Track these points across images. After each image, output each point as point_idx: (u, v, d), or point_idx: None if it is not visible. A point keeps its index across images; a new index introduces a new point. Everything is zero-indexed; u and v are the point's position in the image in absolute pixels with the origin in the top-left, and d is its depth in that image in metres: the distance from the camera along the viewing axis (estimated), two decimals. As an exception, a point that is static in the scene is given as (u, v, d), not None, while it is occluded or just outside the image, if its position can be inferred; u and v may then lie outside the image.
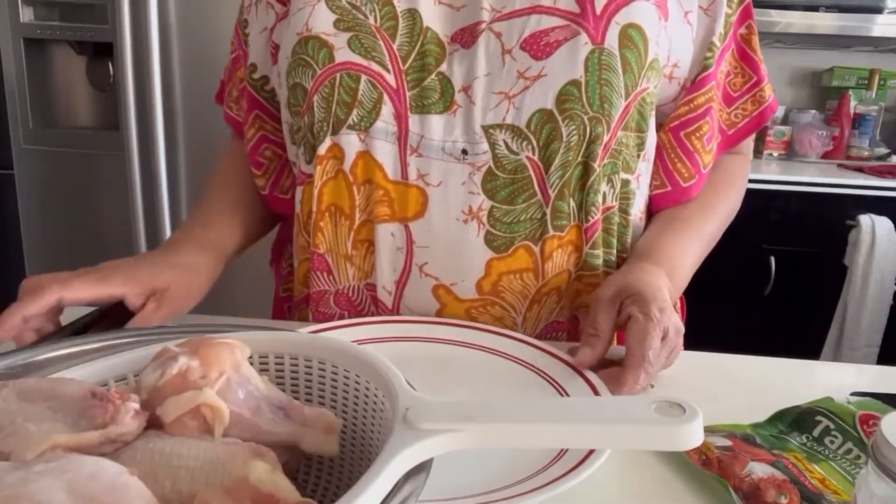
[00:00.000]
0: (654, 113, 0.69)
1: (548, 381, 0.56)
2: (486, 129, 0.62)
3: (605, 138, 0.63)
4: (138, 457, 0.29)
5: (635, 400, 0.29)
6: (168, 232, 1.72)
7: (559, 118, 0.61)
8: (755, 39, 0.74)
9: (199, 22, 1.64)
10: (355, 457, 0.35)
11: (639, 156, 0.69)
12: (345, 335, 0.60)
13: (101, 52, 1.76)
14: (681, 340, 0.57)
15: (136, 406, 0.30)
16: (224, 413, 0.31)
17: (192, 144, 1.72)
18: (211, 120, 1.60)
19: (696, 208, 0.74)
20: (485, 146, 0.62)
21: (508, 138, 0.62)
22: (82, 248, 1.81)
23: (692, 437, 0.27)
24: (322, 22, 0.63)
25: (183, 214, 1.75)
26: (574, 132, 0.61)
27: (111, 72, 1.79)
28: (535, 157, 0.62)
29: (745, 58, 0.74)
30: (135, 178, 1.67)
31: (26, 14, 1.70)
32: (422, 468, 0.27)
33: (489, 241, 0.64)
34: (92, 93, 1.85)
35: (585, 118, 0.61)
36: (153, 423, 0.31)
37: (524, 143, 0.62)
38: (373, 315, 0.68)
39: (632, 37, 0.63)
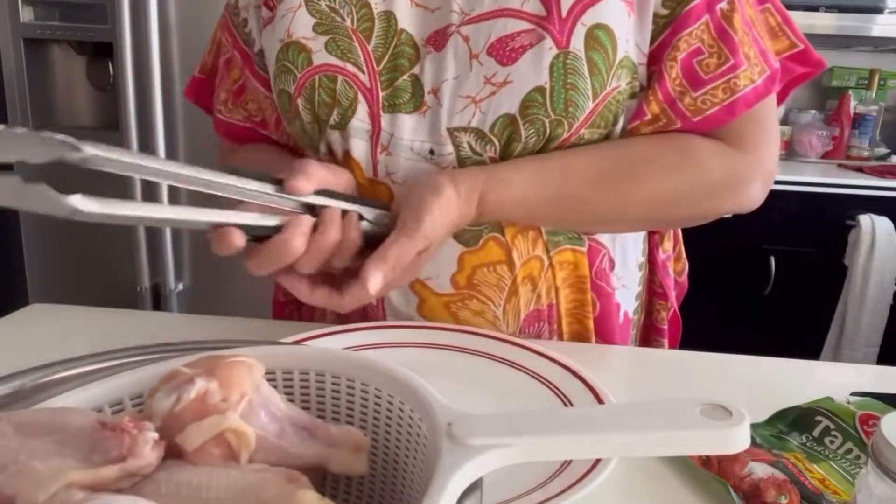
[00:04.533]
0: (624, 108, 0.65)
1: (543, 383, 0.56)
2: (451, 131, 0.63)
3: (565, 135, 0.63)
4: (163, 490, 0.27)
5: (680, 404, 0.28)
6: (168, 232, 1.72)
7: (521, 122, 0.61)
8: (738, 18, 0.63)
9: (199, 22, 1.64)
10: (387, 474, 0.33)
11: None
12: (336, 342, 0.60)
13: (101, 52, 1.76)
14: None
15: (155, 435, 0.27)
16: (250, 438, 0.29)
17: (192, 144, 1.72)
18: (211, 120, 1.60)
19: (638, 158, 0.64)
20: (450, 148, 0.63)
21: (472, 141, 0.63)
22: (82, 248, 1.81)
23: (740, 440, 0.27)
24: (302, 27, 0.64)
25: (183, 214, 1.75)
26: (533, 134, 0.62)
27: (111, 72, 1.79)
28: (496, 156, 0.63)
29: (723, 36, 0.63)
30: (135, 179, 1.67)
31: (26, 14, 1.70)
32: (475, 486, 0.27)
33: (457, 235, 0.65)
34: (92, 93, 1.85)
35: (547, 121, 0.61)
36: (171, 452, 0.29)
37: (487, 146, 0.63)
38: (367, 310, 0.69)
39: (598, 38, 0.61)
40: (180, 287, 1.80)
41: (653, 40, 0.64)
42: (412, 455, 0.31)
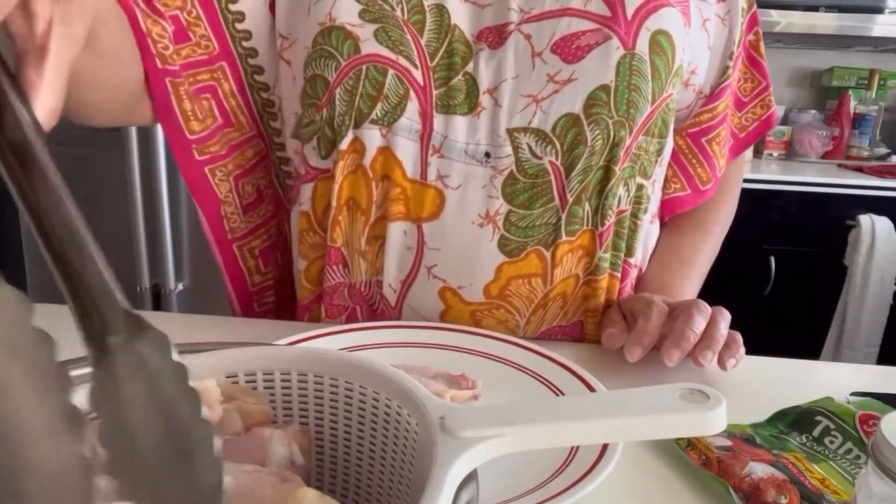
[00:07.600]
0: (673, 118, 0.69)
1: (544, 383, 0.56)
2: (510, 132, 0.61)
3: (628, 142, 0.62)
4: None
5: (661, 390, 0.30)
6: (168, 232, 1.72)
7: (585, 122, 0.61)
8: (762, 45, 0.77)
9: (199, 22, 1.64)
10: (374, 470, 0.33)
11: (657, 161, 0.68)
12: (341, 341, 0.60)
13: (101, 52, 1.76)
14: (704, 308, 0.60)
15: None
16: (210, 389, 0.30)
17: (192, 144, 1.72)
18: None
19: (692, 235, 0.78)
20: (508, 150, 0.61)
21: (532, 142, 0.61)
22: (82, 248, 1.81)
23: (717, 422, 0.28)
24: (346, 12, 0.61)
25: (183, 214, 1.75)
26: (599, 136, 0.61)
27: (111, 72, 1.79)
28: (558, 162, 0.62)
29: (753, 63, 0.77)
30: (135, 178, 1.67)
31: (26, 14, 1.70)
32: (470, 477, 0.27)
33: (502, 245, 0.63)
34: (92, 93, 1.85)
35: (610, 122, 0.61)
36: None
37: (548, 148, 0.61)
38: (382, 310, 0.68)
39: (661, 43, 0.62)
40: (180, 287, 1.80)
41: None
42: (400, 450, 0.31)
